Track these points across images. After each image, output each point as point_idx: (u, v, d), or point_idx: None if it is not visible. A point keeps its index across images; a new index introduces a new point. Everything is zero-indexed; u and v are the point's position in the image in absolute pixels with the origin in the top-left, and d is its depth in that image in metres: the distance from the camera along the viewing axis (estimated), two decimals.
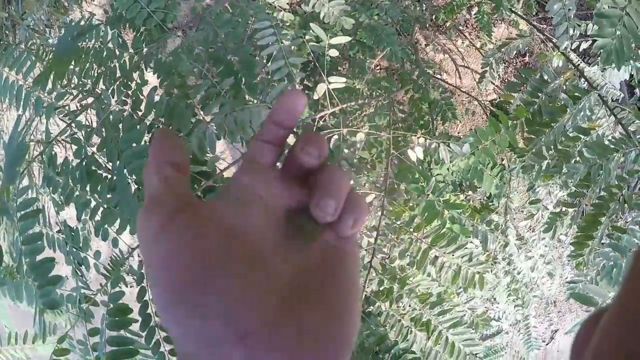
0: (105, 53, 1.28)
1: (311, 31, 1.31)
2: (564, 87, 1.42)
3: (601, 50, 1.13)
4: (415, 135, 1.31)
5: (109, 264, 1.24)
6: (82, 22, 1.28)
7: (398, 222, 1.22)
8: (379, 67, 2.32)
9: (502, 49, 1.46)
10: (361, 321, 1.24)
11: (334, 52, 1.25)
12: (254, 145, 0.37)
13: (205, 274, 0.28)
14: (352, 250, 0.35)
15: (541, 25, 2.38)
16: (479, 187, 1.65)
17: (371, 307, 1.25)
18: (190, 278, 0.28)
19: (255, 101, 1.23)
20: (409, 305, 1.22)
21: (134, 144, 1.14)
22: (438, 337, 1.18)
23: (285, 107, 0.36)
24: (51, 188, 1.17)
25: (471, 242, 1.42)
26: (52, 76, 1.09)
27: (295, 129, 0.38)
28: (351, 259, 0.35)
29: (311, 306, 0.30)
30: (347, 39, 1.23)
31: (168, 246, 0.30)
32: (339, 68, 1.53)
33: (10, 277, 1.17)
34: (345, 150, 1.35)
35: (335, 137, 1.30)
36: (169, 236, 0.30)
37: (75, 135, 1.19)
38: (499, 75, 2.24)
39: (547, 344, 2.96)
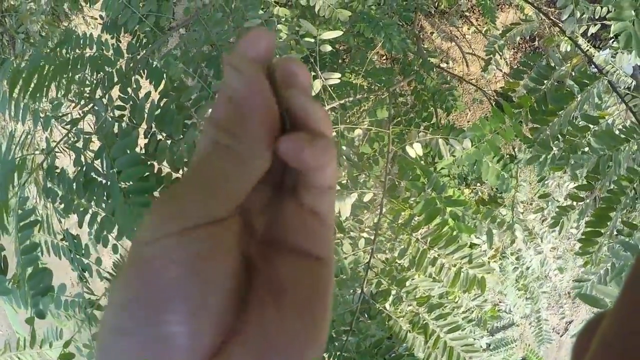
0: (100, 60, 1.26)
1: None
2: (572, 74, 1.34)
3: (619, 35, 1.05)
4: (416, 130, 1.25)
5: (112, 269, 1.27)
6: (68, 33, 1.27)
7: (398, 222, 1.17)
8: (384, 57, 2.24)
9: (506, 35, 1.38)
10: (358, 324, 1.21)
11: (327, 47, 1.20)
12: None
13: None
14: (328, 268, 0.29)
15: (548, 9, 2.27)
16: (486, 180, 1.58)
17: (370, 309, 1.22)
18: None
19: None
20: (408, 307, 1.18)
21: (128, 151, 1.13)
22: (436, 341, 1.14)
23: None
24: (50, 198, 1.17)
25: (478, 237, 1.37)
26: (30, 88, 1.07)
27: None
28: (323, 278, 0.29)
29: (257, 320, 0.26)
30: (339, 33, 1.18)
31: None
32: (339, 60, 1.47)
33: (17, 287, 1.19)
34: (344, 147, 1.30)
35: (333, 133, 1.25)
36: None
37: (76, 143, 1.19)
38: (506, 61, 2.16)
39: (561, 336, 2.89)
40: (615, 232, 1.16)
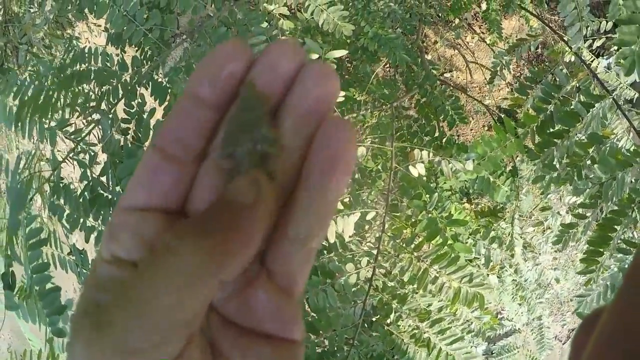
0: (105, 73, 1.24)
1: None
2: (578, 87, 1.35)
3: (623, 59, 1.06)
4: (418, 148, 1.26)
5: None
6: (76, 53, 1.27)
7: (398, 240, 1.19)
8: (387, 65, 2.25)
9: (512, 51, 1.39)
10: (360, 339, 1.24)
11: (332, 66, 1.21)
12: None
13: None
14: (300, 348, 0.26)
15: (552, 17, 2.27)
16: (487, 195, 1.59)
17: (372, 323, 1.24)
18: None
19: None
20: (409, 322, 1.21)
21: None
22: (439, 354, 1.17)
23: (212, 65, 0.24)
24: (57, 215, 1.19)
25: (477, 255, 1.39)
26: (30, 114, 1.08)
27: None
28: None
29: None
30: (344, 52, 1.19)
31: None
32: (343, 73, 1.48)
33: (24, 301, 1.20)
34: None
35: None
36: None
37: (82, 157, 1.20)
38: (510, 70, 2.15)
39: (563, 344, 2.91)
40: (616, 248, 1.17)
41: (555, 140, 1.22)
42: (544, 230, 1.60)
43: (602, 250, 1.17)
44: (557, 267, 1.68)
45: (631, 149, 1.20)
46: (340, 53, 1.19)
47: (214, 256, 0.22)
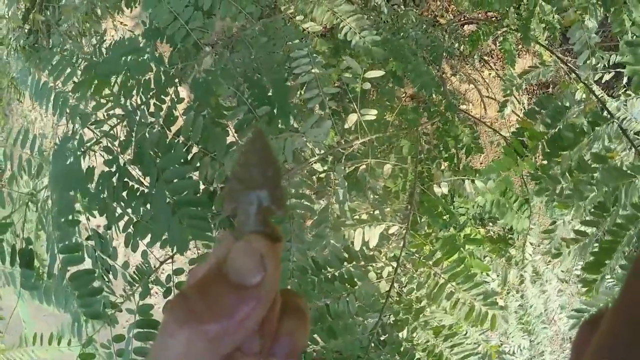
0: (140, 66, 1.32)
1: (344, 62, 1.47)
2: (586, 113, 1.52)
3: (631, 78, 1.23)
4: (440, 171, 1.45)
5: (134, 272, 1.35)
6: (125, 40, 1.38)
7: (418, 255, 1.36)
8: (404, 95, 2.48)
9: (524, 76, 1.60)
10: (375, 349, 1.37)
11: (366, 85, 1.40)
12: None
13: None
14: None
15: (565, 57, 2.56)
16: (499, 220, 1.80)
17: (386, 336, 1.37)
18: None
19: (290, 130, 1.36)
20: (423, 335, 1.36)
21: (175, 164, 1.22)
22: None
23: None
24: (87, 198, 1.26)
25: (489, 274, 1.57)
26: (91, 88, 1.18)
27: None
28: None
29: None
30: (381, 73, 1.37)
31: None
32: (367, 96, 1.69)
33: (39, 280, 1.26)
34: (371, 181, 1.48)
35: (363, 166, 1.44)
36: None
37: (108, 145, 1.26)
38: (523, 107, 2.41)
39: None
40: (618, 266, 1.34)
41: (561, 153, 1.37)
42: (549, 262, 1.80)
43: (605, 262, 1.33)
44: (562, 293, 1.86)
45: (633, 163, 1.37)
46: (378, 74, 1.38)
47: (212, 342, 0.25)
